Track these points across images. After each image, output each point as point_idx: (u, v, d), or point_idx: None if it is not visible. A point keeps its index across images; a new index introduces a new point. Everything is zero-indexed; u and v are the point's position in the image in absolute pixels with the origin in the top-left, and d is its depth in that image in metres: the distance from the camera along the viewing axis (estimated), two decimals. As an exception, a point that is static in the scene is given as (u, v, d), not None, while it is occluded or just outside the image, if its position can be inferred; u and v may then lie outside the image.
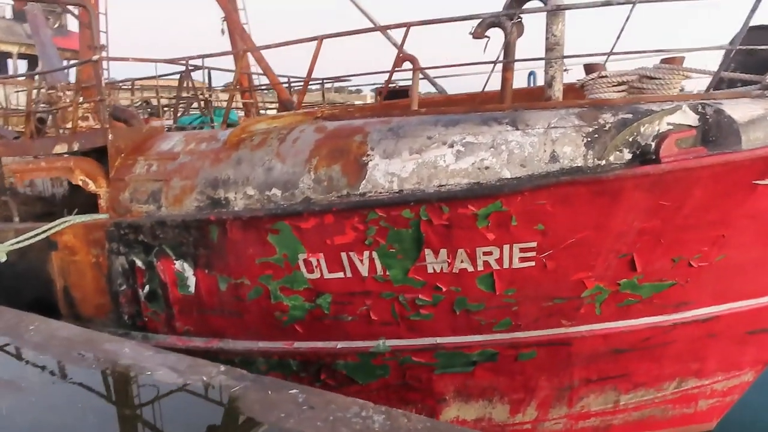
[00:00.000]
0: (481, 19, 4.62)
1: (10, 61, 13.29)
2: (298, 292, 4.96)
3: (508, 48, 4.60)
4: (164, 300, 5.51)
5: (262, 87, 9.24)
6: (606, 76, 5.05)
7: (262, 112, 10.77)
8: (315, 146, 4.66)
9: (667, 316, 4.94)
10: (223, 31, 10.54)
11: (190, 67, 6.31)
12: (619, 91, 5.05)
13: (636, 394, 5.59)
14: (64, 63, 11.14)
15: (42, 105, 8.08)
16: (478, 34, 4.61)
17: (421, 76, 6.55)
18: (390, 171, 4.29)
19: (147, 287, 5.55)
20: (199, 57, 5.96)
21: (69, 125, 7.35)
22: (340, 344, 5.17)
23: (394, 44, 8.33)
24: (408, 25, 4.65)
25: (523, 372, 5.23)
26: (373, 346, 5.11)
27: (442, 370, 5.21)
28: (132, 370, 3.09)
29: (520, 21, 4.68)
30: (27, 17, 11.69)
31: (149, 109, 11.06)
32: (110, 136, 5.64)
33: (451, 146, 4.19)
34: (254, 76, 10.29)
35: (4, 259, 6.05)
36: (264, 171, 4.77)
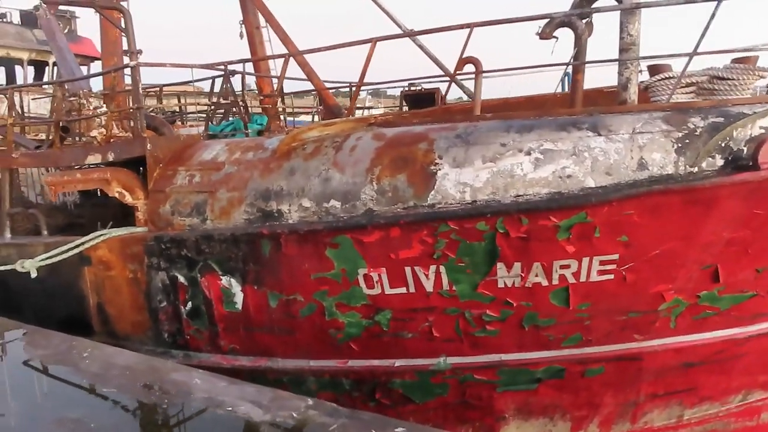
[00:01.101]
0: (549, 19, 4.38)
1: (18, 69, 12.95)
2: (355, 308, 4.70)
3: (580, 49, 4.35)
4: (208, 317, 5.24)
5: (309, 91, 8.89)
6: (673, 77, 4.83)
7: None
8: (376, 155, 4.41)
9: (743, 329, 4.72)
10: (241, 35, 10.29)
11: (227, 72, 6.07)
12: (687, 93, 4.83)
13: (701, 408, 5.36)
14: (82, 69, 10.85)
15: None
16: (546, 34, 4.38)
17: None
18: (461, 181, 4.05)
19: (189, 304, 5.28)
20: (239, 62, 5.70)
21: (93, 133, 7.08)
22: (398, 362, 4.91)
23: (420, 47, 8.11)
24: (471, 26, 4.41)
25: (588, 388, 4.99)
26: (433, 363, 4.85)
27: (505, 388, 4.96)
28: (211, 405, 2.80)
29: (591, 21, 4.44)
30: (40, 22, 11.41)
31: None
32: (149, 146, 5.36)
33: (528, 153, 3.95)
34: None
35: (34, 275, 5.77)
36: (321, 181, 4.51)
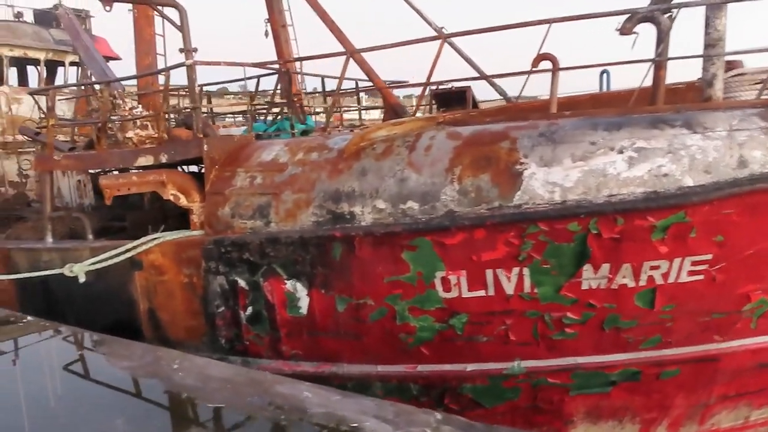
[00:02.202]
0: (630, 14, 4.27)
1: (30, 69, 12.68)
2: (428, 312, 4.58)
3: (662, 44, 4.25)
4: (270, 322, 5.10)
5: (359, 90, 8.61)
6: (744, 74, 4.75)
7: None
8: (454, 154, 4.29)
9: (821, 328, 4.64)
10: (266, 34, 10.12)
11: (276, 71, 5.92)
12: (756, 89, 4.75)
13: (767, 409, 5.29)
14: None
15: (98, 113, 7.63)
16: (626, 29, 4.27)
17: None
18: (550, 180, 3.93)
19: (250, 309, 5.14)
20: (295, 60, 5.53)
21: (128, 134, 6.92)
22: (470, 366, 4.80)
23: (458, 52, 8.02)
24: (549, 22, 4.30)
25: (661, 390, 4.89)
26: (506, 367, 4.74)
27: (577, 391, 4.86)
28: (331, 421, 2.65)
29: (672, 16, 4.34)
30: (62, 21, 11.17)
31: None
32: (205, 147, 5.21)
33: (621, 152, 3.84)
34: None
35: (82, 279, 5.62)
36: (396, 182, 4.38)
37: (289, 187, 4.83)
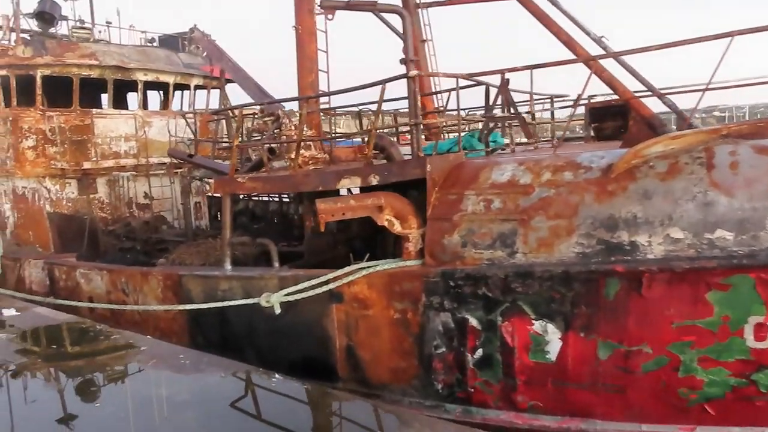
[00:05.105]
0: None
1: (149, 93, 12.73)
2: (725, 364, 3.79)
3: None
4: (504, 368, 4.42)
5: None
6: None
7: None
8: (778, 173, 3.52)
9: None
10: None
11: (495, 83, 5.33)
12: None
13: None
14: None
15: (259, 134, 7.34)
16: None
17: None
18: None
19: (480, 351, 4.48)
20: (524, 68, 4.87)
21: (292, 155, 6.50)
22: (768, 431, 3.95)
23: (628, 69, 7.32)
24: None
25: None
26: (819, 435, 3.87)
27: None
28: None
29: None
30: (200, 44, 11.19)
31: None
32: (428, 167, 4.63)
33: None
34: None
35: (278, 311, 5.12)
36: (698, 206, 3.65)
37: (540, 212, 4.17)
